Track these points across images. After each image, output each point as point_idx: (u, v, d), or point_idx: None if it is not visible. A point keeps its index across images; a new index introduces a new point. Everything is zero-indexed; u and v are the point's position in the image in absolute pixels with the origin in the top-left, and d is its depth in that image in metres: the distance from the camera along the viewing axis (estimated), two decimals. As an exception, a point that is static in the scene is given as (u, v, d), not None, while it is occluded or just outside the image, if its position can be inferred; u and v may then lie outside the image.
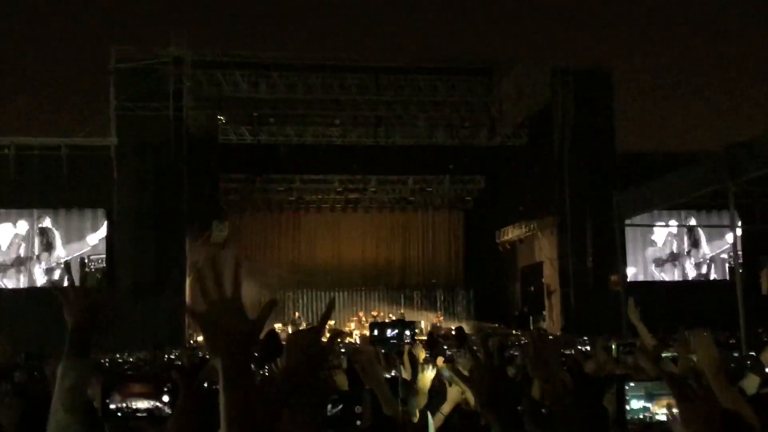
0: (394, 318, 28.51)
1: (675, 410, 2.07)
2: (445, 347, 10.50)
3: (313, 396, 2.12)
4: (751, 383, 4.55)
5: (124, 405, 2.21)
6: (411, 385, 4.75)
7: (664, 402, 2.16)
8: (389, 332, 5.79)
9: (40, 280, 25.67)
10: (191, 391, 2.20)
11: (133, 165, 24.64)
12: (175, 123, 24.94)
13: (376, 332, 6.58)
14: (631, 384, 2.24)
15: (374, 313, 30.06)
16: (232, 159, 28.23)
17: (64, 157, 25.09)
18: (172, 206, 24.68)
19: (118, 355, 17.82)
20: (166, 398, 2.21)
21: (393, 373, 5.94)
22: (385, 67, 27.39)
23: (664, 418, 2.17)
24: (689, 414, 2.02)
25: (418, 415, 4.46)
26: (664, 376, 2.16)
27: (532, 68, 26.69)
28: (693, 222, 28.28)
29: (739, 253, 19.69)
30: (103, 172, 24.93)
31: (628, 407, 2.22)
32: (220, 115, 27.61)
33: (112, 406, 2.22)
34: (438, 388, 4.96)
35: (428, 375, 4.78)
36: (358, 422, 2.42)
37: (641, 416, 2.22)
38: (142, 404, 2.21)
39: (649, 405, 2.21)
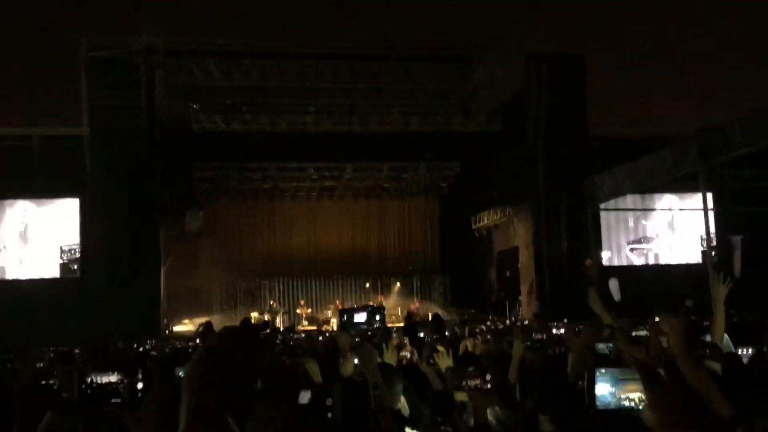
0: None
1: (643, 396, 2.10)
2: (422, 334, 10.51)
3: (284, 386, 2.12)
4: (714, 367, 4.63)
5: (98, 381, 2.22)
6: (392, 371, 4.75)
7: (631, 388, 2.18)
8: (357, 317, 5.81)
9: (13, 271, 25.46)
10: (165, 379, 2.22)
11: (105, 154, 24.43)
12: (148, 112, 24.76)
13: (345, 318, 6.61)
14: (602, 370, 2.26)
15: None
16: (206, 147, 28.07)
17: (36, 148, 24.86)
18: (145, 195, 24.55)
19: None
20: (140, 385, 2.22)
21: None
22: (360, 55, 27.26)
23: (630, 403, 2.19)
24: (657, 400, 2.04)
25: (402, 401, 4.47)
26: (634, 363, 2.18)
27: (505, 54, 26.74)
28: (666, 205, 28.50)
29: (712, 236, 19.91)
30: (76, 162, 24.74)
31: (597, 393, 2.24)
32: (193, 104, 27.41)
33: (89, 391, 2.23)
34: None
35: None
36: (330, 414, 2.42)
37: (608, 401, 2.24)
38: (113, 378, 2.22)
39: (614, 390, 2.22)
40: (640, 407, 2.11)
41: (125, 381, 2.11)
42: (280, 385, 2.11)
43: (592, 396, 2.24)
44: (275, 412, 2.04)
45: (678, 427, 1.99)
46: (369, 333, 14.96)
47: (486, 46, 27.43)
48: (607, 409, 2.25)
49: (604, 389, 2.23)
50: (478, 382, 3.40)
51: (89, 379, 2.20)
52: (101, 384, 2.20)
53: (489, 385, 3.39)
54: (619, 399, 2.22)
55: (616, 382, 2.22)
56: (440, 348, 6.71)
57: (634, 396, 2.17)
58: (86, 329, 23.32)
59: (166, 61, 25.38)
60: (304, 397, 2.35)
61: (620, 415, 2.37)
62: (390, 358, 4.66)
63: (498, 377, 3.43)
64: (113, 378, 2.20)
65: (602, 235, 27.37)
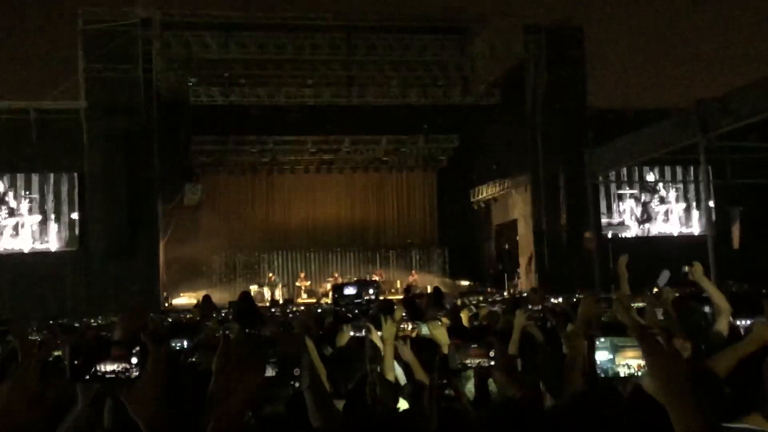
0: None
1: (642, 363, 2.10)
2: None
3: (250, 357, 2.12)
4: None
5: (89, 370, 2.20)
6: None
7: (629, 354, 2.19)
8: (348, 291, 5.81)
9: (8, 244, 25.47)
10: (159, 355, 2.21)
11: (103, 128, 24.37)
12: (145, 85, 24.68)
13: (336, 293, 6.61)
14: (601, 339, 2.27)
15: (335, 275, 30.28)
16: (204, 121, 27.98)
17: (33, 121, 24.79)
18: (143, 169, 24.55)
19: (92, 320, 17.76)
20: (134, 360, 2.21)
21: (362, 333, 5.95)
22: (357, 27, 27.14)
23: (628, 370, 2.20)
24: (655, 367, 2.04)
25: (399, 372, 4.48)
26: (634, 330, 2.18)
27: (504, 26, 26.58)
28: (667, 177, 28.48)
29: (711, 207, 19.92)
30: (73, 136, 24.67)
31: (597, 360, 2.25)
32: (191, 77, 27.29)
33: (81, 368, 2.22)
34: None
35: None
36: (297, 384, 2.43)
37: (606, 368, 2.25)
38: (111, 366, 2.21)
39: (613, 356, 2.23)
40: (639, 374, 2.12)
41: (125, 367, 2.11)
42: (246, 357, 2.11)
43: (592, 364, 2.25)
44: (239, 385, 2.05)
45: (677, 394, 1.99)
46: (365, 307, 15.03)
47: (485, 18, 27.28)
48: (606, 377, 2.26)
49: (603, 356, 2.24)
50: (481, 360, 3.39)
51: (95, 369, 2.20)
52: (105, 372, 2.20)
53: (492, 363, 3.38)
54: (618, 366, 2.22)
55: (616, 349, 2.23)
56: (444, 319, 6.73)
57: (633, 363, 2.18)
58: (85, 302, 23.44)
59: (162, 34, 25.26)
60: (272, 369, 2.36)
61: (619, 382, 2.38)
62: (388, 331, 4.66)
63: (501, 353, 3.42)
64: (110, 367, 2.19)
65: (601, 207, 27.35)
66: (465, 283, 30.65)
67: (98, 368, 2.18)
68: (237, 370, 2.06)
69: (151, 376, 2.16)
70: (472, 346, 3.45)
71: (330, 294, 27.05)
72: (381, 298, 22.94)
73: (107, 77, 24.29)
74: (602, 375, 2.28)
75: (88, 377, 2.18)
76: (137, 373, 2.17)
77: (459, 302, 14.73)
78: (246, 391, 2.07)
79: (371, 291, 25.17)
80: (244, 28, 26.33)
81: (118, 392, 2.17)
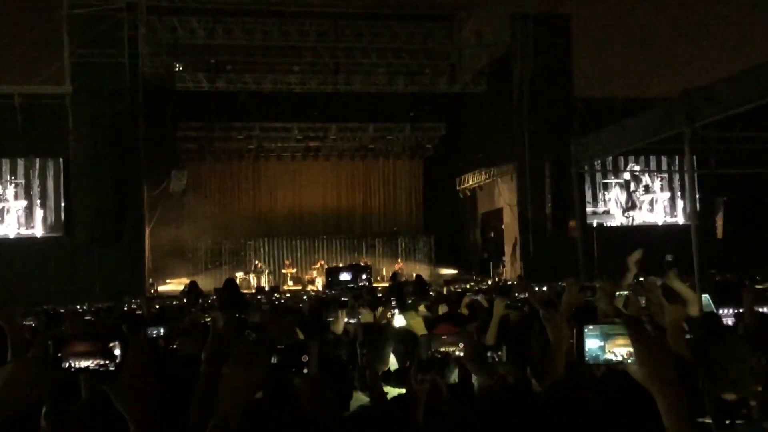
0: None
1: (630, 350, 2.14)
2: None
3: (255, 349, 2.14)
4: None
5: (68, 365, 2.21)
6: (373, 331, 4.76)
7: (620, 342, 2.22)
8: (342, 276, 5.84)
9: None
10: (137, 343, 2.22)
11: (88, 113, 24.20)
12: (131, 70, 24.53)
13: (331, 277, 6.63)
14: (590, 327, 2.29)
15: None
16: (190, 107, 27.89)
17: (18, 106, 24.62)
18: (129, 154, 24.42)
19: (78, 306, 17.73)
20: (114, 353, 2.21)
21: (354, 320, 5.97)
22: (344, 14, 27.07)
23: (618, 357, 2.23)
24: (643, 354, 2.08)
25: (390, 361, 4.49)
26: (622, 318, 2.22)
27: (491, 14, 26.61)
28: (652, 166, 28.59)
29: (696, 197, 19.96)
30: (59, 121, 24.53)
31: (586, 348, 2.28)
32: (177, 62, 27.16)
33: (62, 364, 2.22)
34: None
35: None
36: (305, 370, 2.44)
37: (596, 355, 2.28)
38: (86, 363, 2.20)
39: (603, 344, 2.26)
40: (629, 361, 2.16)
41: (102, 363, 2.10)
42: (250, 349, 2.13)
43: (581, 351, 2.28)
44: (247, 375, 2.07)
45: (664, 381, 2.03)
46: (357, 292, 15.06)
47: (471, 6, 27.29)
48: (595, 363, 2.29)
49: (593, 344, 2.27)
50: (453, 348, 3.43)
51: (66, 365, 2.18)
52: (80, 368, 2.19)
53: (462, 353, 3.42)
54: (608, 353, 2.26)
55: (605, 337, 2.26)
56: (421, 308, 6.76)
57: (623, 351, 2.21)
58: (70, 288, 23.35)
59: (149, 19, 25.12)
60: (278, 356, 2.38)
61: (608, 369, 2.41)
62: (374, 317, 4.69)
63: (469, 342, 3.45)
64: (85, 363, 2.19)
65: (586, 196, 27.43)
66: (449, 271, 30.71)
67: (72, 364, 2.17)
68: (239, 363, 2.08)
69: (137, 368, 2.17)
70: (443, 336, 3.49)
71: (323, 278, 27.15)
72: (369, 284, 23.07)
73: (93, 62, 24.11)
74: (591, 363, 2.31)
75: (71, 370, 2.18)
76: (113, 368, 2.16)
77: (445, 290, 14.78)
78: (250, 388, 2.09)
79: (364, 276, 25.41)
80: (230, 14, 26.22)
81: (105, 386, 2.17)
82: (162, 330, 5.82)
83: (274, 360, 2.33)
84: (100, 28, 24.07)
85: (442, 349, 3.42)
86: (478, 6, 27.11)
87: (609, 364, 2.25)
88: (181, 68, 27.37)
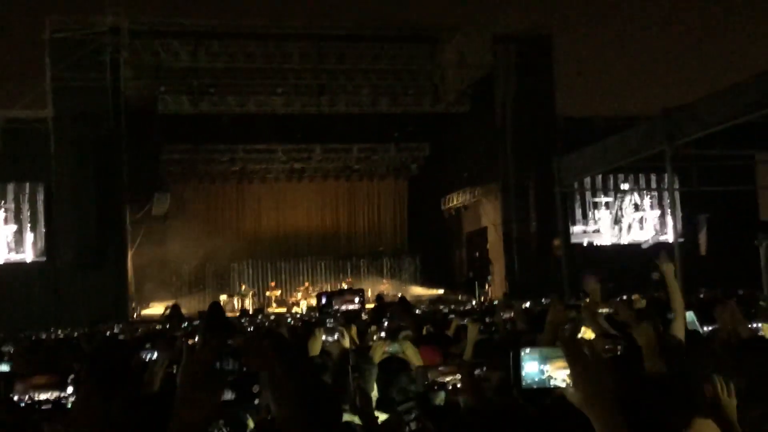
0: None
1: (568, 373, 2.10)
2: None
3: (206, 384, 2.09)
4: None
5: (27, 397, 2.16)
6: (364, 355, 4.71)
7: (560, 365, 2.18)
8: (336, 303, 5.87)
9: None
10: (91, 378, 2.17)
11: (71, 137, 24.15)
12: (113, 93, 24.50)
13: (324, 301, 6.55)
14: (527, 349, 2.25)
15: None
16: (173, 129, 27.73)
17: (0, 131, 24.50)
18: (111, 178, 24.32)
19: (60, 331, 17.60)
20: (70, 389, 2.16)
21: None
22: (327, 35, 27.16)
23: (558, 380, 2.19)
24: (579, 378, 2.05)
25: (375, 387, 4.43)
26: (560, 341, 2.19)
27: (473, 35, 26.76)
28: (641, 184, 28.68)
29: (678, 215, 20.10)
30: (41, 145, 24.41)
31: (523, 372, 2.23)
32: (160, 85, 27.10)
33: (15, 398, 2.17)
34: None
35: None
36: (257, 401, 2.40)
37: (536, 379, 2.23)
38: (45, 395, 2.16)
39: (543, 368, 2.22)
40: (566, 385, 2.12)
41: (61, 395, 2.03)
42: (200, 383, 2.07)
43: (518, 375, 2.23)
44: (195, 414, 2.01)
45: (600, 406, 2.00)
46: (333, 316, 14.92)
47: (454, 27, 27.44)
48: (532, 388, 2.24)
49: (531, 367, 2.23)
50: (450, 378, 3.41)
51: (21, 397, 2.11)
52: (39, 401, 2.13)
53: (459, 385, 3.40)
54: (547, 377, 2.21)
55: (544, 359, 2.21)
56: (407, 333, 6.71)
57: (561, 374, 2.17)
58: (53, 314, 23.14)
59: (131, 43, 25.08)
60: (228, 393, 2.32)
61: (546, 393, 2.37)
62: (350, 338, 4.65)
63: (468, 375, 3.44)
64: (45, 396, 2.14)
65: (570, 215, 27.49)
66: (433, 292, 30.63)
67: (32, 396, 2.13)
68: (197, 387, 2.03)
69: (86, 406, 2.11)
70: (439, 367, 3.47)
71: (308, 301, 26.99)
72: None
73: (75, 86, 24.03)
74: (531, 387, 2.26)
75: (22, 408, 2.14)
76: (71, 404, 2.12)
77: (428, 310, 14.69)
78: (207, 407, 2.04)
79: (356, 300, 25.15)
80: (213, 37, 26.23)
81: (54, 425, 2.12)
82: (155, 354, 5.75)
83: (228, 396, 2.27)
84: (82, 51, 24.04)
85: (439, 380, 3.39)
86: (460, 27, 27.26)
87: (546, 387, 2.21)
88: (164, 91, 27.30)
